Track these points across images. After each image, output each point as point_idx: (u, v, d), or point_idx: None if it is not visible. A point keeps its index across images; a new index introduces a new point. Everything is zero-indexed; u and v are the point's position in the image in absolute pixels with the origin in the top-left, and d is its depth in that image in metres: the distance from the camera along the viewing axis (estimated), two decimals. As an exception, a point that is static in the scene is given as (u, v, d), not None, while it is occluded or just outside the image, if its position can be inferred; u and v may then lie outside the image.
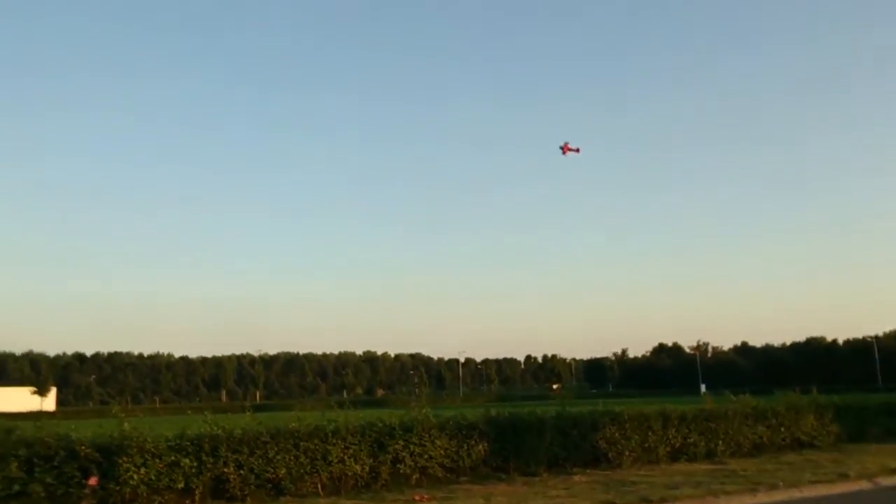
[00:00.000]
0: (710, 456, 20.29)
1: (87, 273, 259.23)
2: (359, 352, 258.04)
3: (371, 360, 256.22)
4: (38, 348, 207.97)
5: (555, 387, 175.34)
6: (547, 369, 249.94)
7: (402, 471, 16.33)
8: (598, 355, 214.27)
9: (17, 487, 13.24)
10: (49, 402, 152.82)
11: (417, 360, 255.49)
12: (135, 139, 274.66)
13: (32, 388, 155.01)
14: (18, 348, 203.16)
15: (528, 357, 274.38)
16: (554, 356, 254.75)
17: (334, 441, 15.70)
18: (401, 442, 16.41)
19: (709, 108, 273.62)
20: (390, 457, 16.23)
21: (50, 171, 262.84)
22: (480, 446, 17.42)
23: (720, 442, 20.59)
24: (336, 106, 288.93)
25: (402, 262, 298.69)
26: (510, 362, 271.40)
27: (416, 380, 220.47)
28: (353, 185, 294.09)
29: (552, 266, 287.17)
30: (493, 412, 18.58)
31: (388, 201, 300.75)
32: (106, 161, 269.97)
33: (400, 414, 17.47)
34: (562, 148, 75.98)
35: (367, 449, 16.01)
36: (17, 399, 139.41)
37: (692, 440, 20.22)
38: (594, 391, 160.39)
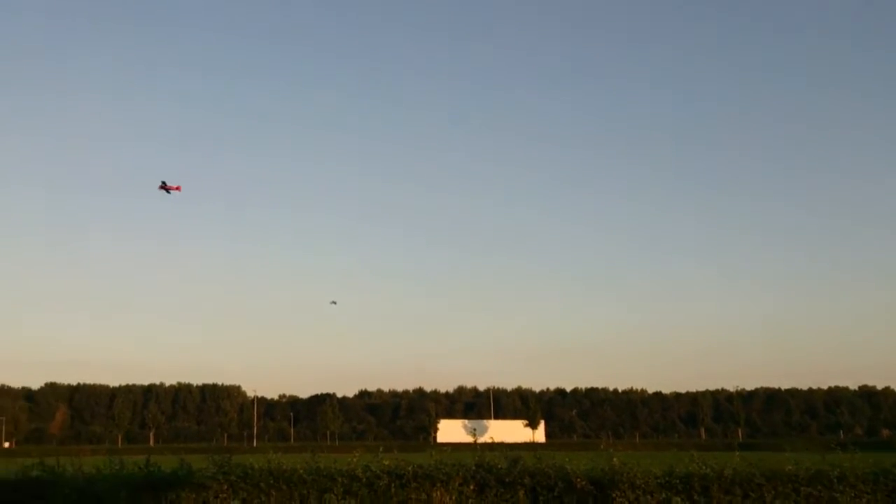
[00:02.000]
0: None
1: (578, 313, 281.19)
2: (853, 386, 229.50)
3: (869, 396, 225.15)
4: (525, 384, 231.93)
5: None
6: None
7: (931, 528, 13.79)
8: None
9: (526, 514, 14.52)
10: (539, 434, 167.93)
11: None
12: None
13: (524, 421, 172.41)
14: (510, 385, 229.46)
15: None
16: None
17: (841, 488, 13.98)
18: (927, 494, 13.88)
19: None
20: (915, 511, 13.82)
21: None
22: None
23: None
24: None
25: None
26: None
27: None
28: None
29: None
30: None
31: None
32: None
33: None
34: (162, 187, 66.99)
35: (883, 499, 13.91)
36: (512, 430, 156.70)
37: None
38: None
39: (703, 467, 14.60)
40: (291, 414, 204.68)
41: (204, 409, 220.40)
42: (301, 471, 14.81)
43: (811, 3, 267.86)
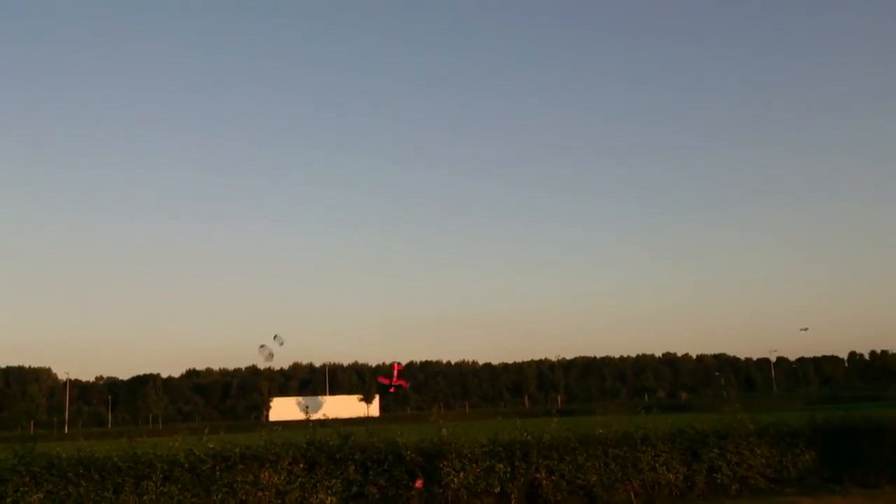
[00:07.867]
0: None
1: (400, 289, 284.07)
2: (658, 353, 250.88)
3: (671, 362, 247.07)
4: (361, 359, 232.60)
5: None
6: (877, 367, 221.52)
7: (719, 480, 15.48)
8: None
9: (355, 489, 14.63)
10: (374, 408, 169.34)
11: (722, 361, 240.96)
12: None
13: (359, 396, 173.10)
14: (346, 360, 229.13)
15: (853, 354, 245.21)
16: (885, 352, 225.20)
17: (644, 448, 15.26)
18: (716, 450, 15.52)
19: None
20: (705, 465, 15.43)
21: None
22: (807, 455, 15.95)
23: None
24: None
25: (697, 260, 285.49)
26: (831, 360, 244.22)
27: (722, 381, 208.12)
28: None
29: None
30: (820, 418, 16.90)
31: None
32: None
33: (712, 419, 16.57)
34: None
35: (678, 457, 15.37)
36: (348, 406, 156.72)
37: None
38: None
39: (525, 434, 15.38)
40: (110, 397, 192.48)
41: (7, 395, 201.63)
42: (115, 458, 13.92)
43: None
